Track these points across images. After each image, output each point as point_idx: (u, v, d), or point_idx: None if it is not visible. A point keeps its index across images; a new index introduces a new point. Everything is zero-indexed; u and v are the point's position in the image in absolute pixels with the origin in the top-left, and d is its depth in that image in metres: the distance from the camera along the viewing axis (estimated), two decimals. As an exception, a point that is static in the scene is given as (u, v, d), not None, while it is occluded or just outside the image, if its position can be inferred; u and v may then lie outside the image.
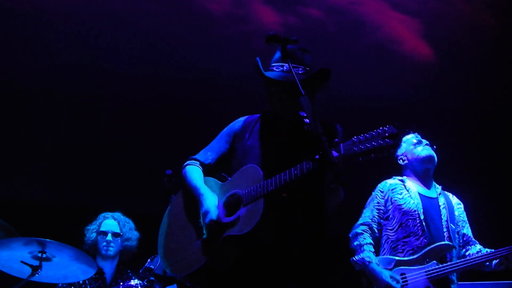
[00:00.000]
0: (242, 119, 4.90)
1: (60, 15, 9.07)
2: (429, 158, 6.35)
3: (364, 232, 6.14)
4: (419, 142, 6.42)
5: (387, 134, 3.86)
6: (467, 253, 6.23)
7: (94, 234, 7.13)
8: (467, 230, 6.36)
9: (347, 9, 9.61)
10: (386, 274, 5.81)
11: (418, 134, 6.56)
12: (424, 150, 6.36)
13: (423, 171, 6.38)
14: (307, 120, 3.91)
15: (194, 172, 4.76)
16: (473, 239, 6.34)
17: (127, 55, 9.44)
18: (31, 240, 6.00)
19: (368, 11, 9.71)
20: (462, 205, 6.48)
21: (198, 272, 4.38)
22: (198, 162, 4.83)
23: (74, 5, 9.02)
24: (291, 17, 9.56)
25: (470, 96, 10.03)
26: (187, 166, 4.83)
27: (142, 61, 9.50)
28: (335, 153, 3.96)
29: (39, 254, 6.05)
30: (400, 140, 3.73)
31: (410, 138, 6.50)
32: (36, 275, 6.05)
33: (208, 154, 4.84)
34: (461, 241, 6.24)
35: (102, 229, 7.16)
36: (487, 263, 6.02)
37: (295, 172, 4.15)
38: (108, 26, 9.25)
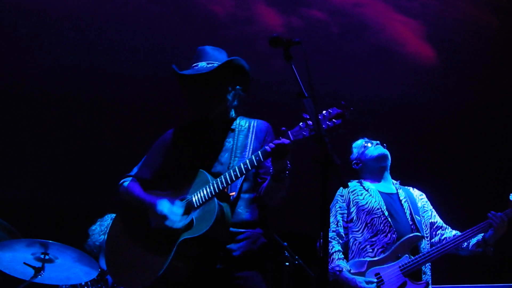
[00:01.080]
0: (171, 130, 4.99)
1: (64, 16, 9.07)
2: (382, 156, 6.37)
3: (331, 240, 6.07)
4: (369, 143, 6.46)
5: (333, 115, 3.98)
6: (442, 237, 6.20)
7: (103, 236, 7.11)
8: (435, 218, 6.34)
9: (350, 11, 9.60)
10: (360, 280, 5.79)
11: (368, 135, 6.64)
12: (376, 149, 6.39)
13: (378, 169, 6.39)
14: (310, 122, 3.92)
15: (134, 187, 4.81)
16: (445, 225, 6.31)
17: (131, 56, 9.44)
18: (33, 241, 6.02)
19: (371, 13, 9.70)
20: (424, 195, 6.47)
21: (158, 281, 4.40)
22: (135, 178, 4.88)
23: (79, 6, 9.01)
24: (295, 19, 9.56)
25: (473, 97, 10.03)
26: (124, 183, 4.89)
27: (146, 63, 9.49)
28: (285, 141, 4.11)
29: (42, 256, 6.06)
30: (347, 117, 3.77)
31: (360, 142, 6.57)
32: (39, 276, 6.06)
33: (143, 169, 4.91)
34: (427, 232, 6.21)
35: (110, 230, 7.15)
36: (464, 245, 6.01)
37: (245, 166, 4.29)
38: (111, 28, 9.25)
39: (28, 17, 9.00)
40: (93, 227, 7.24)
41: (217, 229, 4.28)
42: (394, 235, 5.96)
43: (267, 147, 4.20)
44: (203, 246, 4.36)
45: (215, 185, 4.34)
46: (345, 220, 6.18)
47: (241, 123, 4.78)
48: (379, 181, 6.38)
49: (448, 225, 6.31)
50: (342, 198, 6.26)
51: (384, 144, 6.47)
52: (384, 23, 9.80)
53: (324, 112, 4.02)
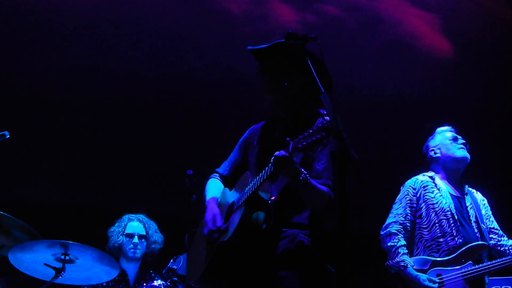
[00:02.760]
0: (252, 127, 5.04)
1: (78, 18, 9.09)
2: (463, 159, 6.22)
3: (398, 233, 5.99)
4: (455, 139, 6.29)
5: (323, 128, 3.97)
6: (498, 243, 6.13)
7: (121, 237, 7.13)
8: (494, 224, 6.25)
9: (365, 6, 9.57)
10: (423, 278, 5.72)
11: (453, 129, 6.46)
12: (460, 150, 6.22)
13: (454, 171, 6.26)
14: (327, 118, 3.90)
15: (211, 184, 4.99)
16: (501, 232, 6.23)
17: (145, 56, 9.46)
18: (54, 242, 6.04)
19: (387, 7, 9.67)
20: (486, 201, 6.36)
21: (202, 279, 4.63)
22: (217, 175, 5.04)
23: (92, 8, 9.03)
24: (310, 15, 9.54)
25: (490, 91, 9.98)
26: (209, 180, 5.05)
27: (161, 61, 9.51)
28: (281, 153, 4.11)
29: (62, 256, 6.08)
30: (330, 130, 3.80)
31: (445, 131, 6.41)
32: (60, 277, 6.09)
33: (225, 166, 5.04)
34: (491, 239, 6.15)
35: (127, 231, 7.18)
36: None
37: (264, 173, 4.29)
38: (126, 28, 9.27)
39: (41, 19, 9.02)
40: (112, 229, 7.28)
41: (243, 234, 4.32)
42: (460, 240, 5.88)
43: (273, 157, 4.18)
44: (238, 249, 4.40)
45: (246, 191, 4.42)
46: (414, 214, 6.10)
47: (316, 123, 4.71)
48: (450, 180, 6.27)
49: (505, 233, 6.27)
50: (414, 191, 6.16)
51: (468, 146, 6.30)
52: (400, 17, 9.76)
53: (318, 124, 4.02)
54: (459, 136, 6.34)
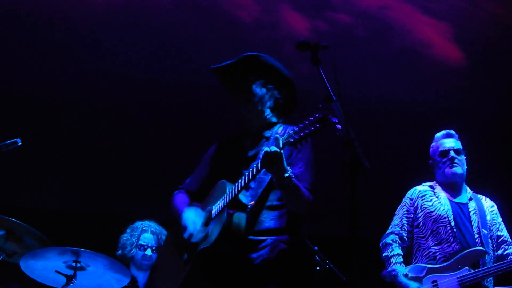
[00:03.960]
0: (216, 143, 5.13)
1: (87, 24, 9.13)
2: (452, 177, 6.24)
3: (393, 243, 6.09)
4: (444, 155, 6.29)
5: (315, 121, 3.96)
6: (505, 253, 6.11)
7: (135, 250, 7.12)
8: (503, 232, 6.23)
9: (376, 14, 9.58)
10: (414, 286, 5.77)
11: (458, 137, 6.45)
12: (447, 169, 6.25)
13: (450, 183, 6.29)
14: (338, 126, 3.90)
15: (178, 198, 5.00)
16: (510, 240, 6.21)
17: (156, 63, 9.48)
18: (65, 249, 6.05)
19: (398, 15, 9.67)
20: (495, 207, 6.35)
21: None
22: (183, 190, 5.07)
23: (102, 13, 9.07)
24: (321, 23, 9.55)
25: (503, 99, 9.95)
26: (174, 196, 5.05)
27: (172, 69, 9.53)
28: (271, 149, 4.12)
29: (74, 264, 6.09)
30: (325, 122, 3.82)
31: (439, 140, 6.41)
32: (71, 284, 6.09)
33: (190, 182, 5.09)
34: (495, 245, 6.12)
35: (141, 242, 7.15)
36: None
37: (248, 175, 4.32)
38: (136, 35, 9.30)
39: (50, 25, 9.07)
40: (124, 237, 7.25)
41: (226, 239, 4.32)
42: (457, 246, 5.90)
43: (261, 157, 4.22)
44: (219, 256, 4.41)
45: (227, 196, 4.41)
46: (411, 224, 6.17)
47: (278, 130, 4.76)
48: (451, 189, 6.29)
49: None
50: (411, 201, 6.25)
51: (460, 157, 6.29)
52: (411, 25, 9.77)
53: (310, 118, 4.01)
54: (449, 146, 6.32)
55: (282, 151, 4.13)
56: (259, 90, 4.79)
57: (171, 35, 9.37)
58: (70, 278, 6.10)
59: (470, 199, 6.25)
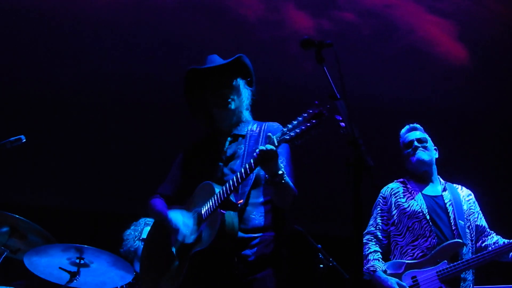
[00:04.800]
0: (185, 147, 5.14)
1: (97, 25, 9.15)
2: (419, 163, 6.24)
3: (368, 242, 6.08)
4: (408, 146, 6.32)
5: (311, 117, 3.97)
6: (483, 245, 6.10)
7: (137, 242, 7.13)
8: (481, 221, 6.21)
9: (381, 13, 9.57)
10: (392, 281, 5.77)
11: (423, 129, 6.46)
12: (411, 157, 6.27)
13: (421, 173, 6.27)
14: (342, 124, 3.88)
15: (156, 203, 4.91)
16: (488, 230, 6.20)
17: (162, 62, 9.49)
18: (69, 246, 6.05)
19: (402, 14, 9.67)
20: (472, 196, 6.32)
21: None
22: (158, 195, 4.98)
23: (106, 13, 9.08)
24: (325, 22, 9.55)
25: (506, 98, 9.94)
26: (150, 201, 4.97)
27: (176, 68, 9.53)
28: (267, 146, 4.14)
29: (77, 260, 6.09)
30: (321, 117, 3.82)
31: (401, 137, 6.46)
32: (75, 281, 6.09)
33: (165, 186, 5.02)
34: (473, 235, 6.08)
35: (144, 236, 7.16)
36: (508, 255, 5.90)
37: (240, 175, 4.32)
38: (143, 35, 9.31)
39: (55, 25, 9.09)
40: (127, 232, 7.25)
41: (222, 239, 4.32)
42: (434, 240, 5.87)
43: (255, 153, 4.23)
44: (215, 256, 4.41)
45: (219, 196, 4.39)
46: (386, 223, 6.15)
47: (253, 127, 4.82)
48: (424, 182, 6.26)
49: (492, 229, 6.22)
50: (383, 200, 6.23)
51: (422, 144, 6.29)
52: (415, 24, 9.76)
53: (304, 114, 4.01)
54: (412, 137, 6.35)
55: (277, 149, 4.15)
56: (243, 90, 4.86)
57: (176, 34, 9.38)
58: (73, 275, 6.11)
59: (444, 189, 6.21)
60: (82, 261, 6.12)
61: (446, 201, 6.13)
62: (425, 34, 9.81)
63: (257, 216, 4.51)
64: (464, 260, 5.79)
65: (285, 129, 4.09)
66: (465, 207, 6.15)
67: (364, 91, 9.13)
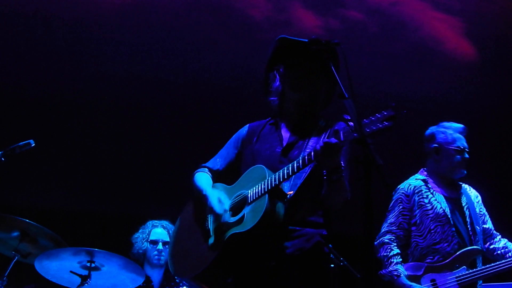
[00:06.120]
0: (248, 124, 4.97)
1: (102, 26, 9.16)
2: (460, 176, 6.15)
3: (391, 242, 5.94)
4: (461, 152, 6.10)
5: (385, 118, 3.83)
6: (491, 247, 6.07)
7: (146, 244, 7.14)
8: (488, 224, 6.16)
9: (388, 10, 9.56)
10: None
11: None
12: (462, 170, 6.11)
13: (450, 179, 6.17)
14: (351, 123, 3.86)
15: (201, 177, 4.82)
16: (495, 232, 6.16)
17: (169, 62, 9.50)
18: (79, 250, 6.07)
19: (409, 12, 9.65)
20: (480, 197, 6.25)
21: (204, 273, 4.45)
22: (206, 169, 4.89)
23: (113, 14, 9.09)
24: (333, 20, 9.54)
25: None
26: (196, 173, 4.90)
27: (184, 68, 9.54)
28: (333, 140, 4.01)
29: (88, 264, 6.11)
30: (395, 120, 3.68)
31: (456, 133, 6.18)
32: (86, 284, 6.11)
33: (217, 160, 4.91)
34: (483, 239, 6.07)
35: (152, 238, 7.18)
36: None
37: (297, 164, 4.20)
38: (150, 34, 9.31)
39: (66, 28, 9.10)
40: (136, 235, 7.29)
41: (264, 226, 4.19)
42: (455, 246, 5.82)
43: (317, 146, 4.10)
44: (252, 242, 4.29)
45: (269, 182, 4.27)
46: (408, 222, 6.02)
47: (320, 122, 4.68)
48: (445, 182, 6.16)
49: (498, 231, 6.20)
50: (407, 198, 6.07)
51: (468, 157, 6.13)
52: (422, 21, 9.74)
53: (378, 114, 3.88)
54: (466, 145, 6.15)
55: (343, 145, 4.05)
56: (329, 87, 4.66)
57: (183, 34, 9.38)
58: (84, 278, 6.13)
59: (461, 192, 6.15)
60: (93, 265, 6.14)
61: (463, 205, 6.07)
62: (432, 31, 9.79)
63: (304, 211, 4.40)
64: (483, 267, 5.76)
65: (353, 127, 3.92)
66: (477, 210, 6.11)
67: (372, 89, 9.12)
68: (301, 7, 9.46)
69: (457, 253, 5.79)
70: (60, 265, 6.15)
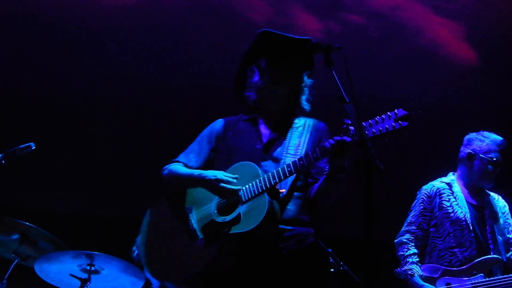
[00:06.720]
0: (222, 119, 4.88)
1: (104, 28, 9.17)
2: (488, 187, 6.14)
3: (409, 242, 5.97)
4: (496, 165, 6.06)
5: (399, 116, 3.82)
6: None
7: None
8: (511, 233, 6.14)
9: (388, 14, 9.56)
10: None
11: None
12: (492, 182, 6.10)
13: (478, 188, 6.17)
14: (352, 128, 3.85)
15: (180, 168, 4.67)
16: None
17: (170, 65, 9.50)
18: (79, 253, 6.07)
19: (410, 16, 9.65)
20: (507, 207, 6.21)
21: (198, 276, 4.23)
22: (181, 164, 4.73)
23: (114, 17, 9.10)
24: (333, 24, 9.53)
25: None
26: (171, 166, 4.76)
27: (183, 71, 9.54)
28: (347, 138, 3.95)
29: (88, 267, 6.11)
30: (414, 121, 3.61)
31: (494, 147, 6.13)
32: (85, 288, 6.11)
33: (190, 156, 4.76)
34: (506, 249, 6.04)
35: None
36: None
37: (301, 162, 4.13)
38: (151, 38, 9.32)
39: (66, 30, 9.10)
40: (138, 239, 7.27)
41: (266, 226, 4.09)
42: (473, 252, 5.81)
43: (326, 144, 4.04)
44: (250, 243, 4.17)
45: (267, 180, 4.15)
46: (428, 223, 6.03)
47: (296, 120, 4.64)
48: (471, 189, 6.16)
49: None
50: (428, 199, 6.08)
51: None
52: (423, 25, 9.74)
53: (389, 112, 3.88)
54: (499, 159, 6.09)
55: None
56: (306, 79, 4.64)
57: (183, 37, 9.38)
58: (84, 282, 6.13)
59: (485, 200, 6.13)
60: (92, 268, 6.15)
61: (487, 213, 6.05)
62: (433, 35, 9.79)
63: (293, 209, 4.31)
64: (501, 277, 5.72)
65: (365, 124, 3.90)
66: (501, 221, 6.08)
67: (373, 94, 9.11)
68: (302, 10, 9.46)
69: (476, 260, 5.77)
70: (60, 268, 6.16)
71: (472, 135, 6.29)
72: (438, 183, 6.18)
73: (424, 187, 6.21)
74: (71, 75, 9.37)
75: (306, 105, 4.67)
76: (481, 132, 6.26)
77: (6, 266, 6.24)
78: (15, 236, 6.21)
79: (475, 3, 9.58)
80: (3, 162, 5.38)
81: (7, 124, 9.23)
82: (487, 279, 5.69)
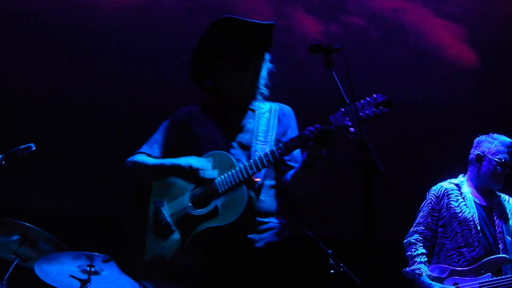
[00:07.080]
0: (183, 108, 4.80)
1: (105, 31, 9.17)
2: (499, 186, 6.15)
3: (417, 242, 5.99)
4: (505, 166, 6.08)
5: (378, 102, 3.84)
6: None
7: None
8: None
9: (389, 16, 9.56)
10: (437, 287, 5.72)
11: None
12: (502, 183, 6.11)
13: (488, 189, 6.17)
14: (352, 129, 3.83)
15: (146, 158, 4.56)
16: None
17: (169, 68, 9.50)
18: (79, 254, 6.07)
19: (411, 18, 9.66)
20: None
21: (168, 267, 4.11)
22: (145, 155, 4.62)
23: (115, 19, 9.10)
24: (334, 26, 9.54)
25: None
26: (135, 157, 4.65)
27: (185, 74, 9.53)
28: (330, 127, 3.93)
29: (88, 268, 6.11)
30: (395, 107, 3.57)
31: (505, 151, 6.15)
32: (85, 289, 6.11)
33: (153, 147, 4.64)
34: None
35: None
36: None
37: (279, 151, 4.05)
38: (152, 40, 9.33)
39: (67, 31, 9.11)
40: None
41: (245, 219, 3.99)
42: (481, 252, 5.82)
43: (307, 132, 3.97)
44: (227, 236, 4.04)
45: (244, 171, 4.06)
46: (436, 223, 6.05)
47: (261, 105, 4.56)
48: (479, 190, 6.17)
49: None
50: (437, 200, 6.10)
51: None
52: (424, 27, 9.74)
53: (368, 98, 3.86)
54: (508, 160, 6.11)
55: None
56: (266, 63, 4.61)
57: (185, 40, 9.37)
58: (84, 283, 6.13)
59: (495, 201, 6.14)
60: (92, 269, 6.15)
61: (496, 214, 6.07)
62: (433, 38, 9.79)
63: (266, 199, 4.23)
64: (509, 275, 5.73)
65: (344, 110, 3.85)
66: (510, 222, 6.07)
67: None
68: (302, 12, 9.46)
69: (484, 259, 5.78)
70: (60, 269, 6.16)
71: (482, 137, 6.33)
72: (446, 184, 6.21)
73: (433, 187, 6.24)
74: (71, 75, 9.37)
75: (265, 90, 4.61)
76: (491, 134, 6.29)
77: (6, 267, 6.25)
78: (15, 237, 6.21)
79: (476, 5, 9.58)
80: (3, 163, 5.37)
81: (7, 124, 9.23)
82: (495, 278, 5.69)
